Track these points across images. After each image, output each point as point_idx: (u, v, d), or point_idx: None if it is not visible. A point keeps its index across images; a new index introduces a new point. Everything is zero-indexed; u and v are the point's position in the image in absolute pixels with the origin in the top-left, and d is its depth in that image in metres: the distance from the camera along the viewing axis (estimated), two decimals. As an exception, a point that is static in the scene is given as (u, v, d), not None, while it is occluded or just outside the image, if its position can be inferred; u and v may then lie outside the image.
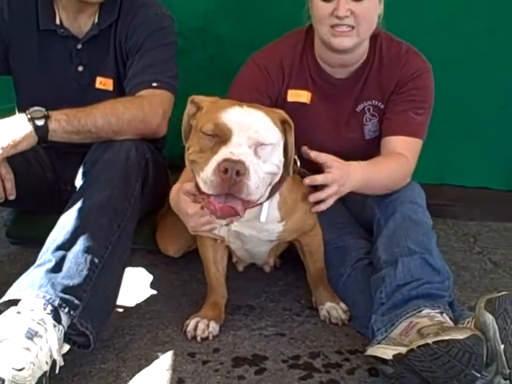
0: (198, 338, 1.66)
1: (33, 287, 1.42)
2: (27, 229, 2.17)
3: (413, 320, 1.49)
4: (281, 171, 1.48)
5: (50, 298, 1.41)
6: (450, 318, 1.52)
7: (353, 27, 1.73)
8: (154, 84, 1.80)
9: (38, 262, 1.51)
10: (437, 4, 2.42)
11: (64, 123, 1.63)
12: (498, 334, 1.37)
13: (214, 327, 1.68)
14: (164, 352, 1.62)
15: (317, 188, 1.65)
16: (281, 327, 1.75)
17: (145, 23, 1.87)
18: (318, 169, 1.64)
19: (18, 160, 1.65)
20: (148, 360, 1.58)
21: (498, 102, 2.54)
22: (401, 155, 1.79)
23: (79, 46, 1.92)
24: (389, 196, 1.79)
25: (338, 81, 1.89)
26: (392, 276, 1.59)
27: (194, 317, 1.71)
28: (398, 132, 1.82)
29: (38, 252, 1.54)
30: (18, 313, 1.38)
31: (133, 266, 2.01)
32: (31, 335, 1.34)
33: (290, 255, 1.95)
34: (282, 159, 1.47)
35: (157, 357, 1.59)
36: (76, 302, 1.45)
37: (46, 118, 1.61)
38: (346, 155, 1.82)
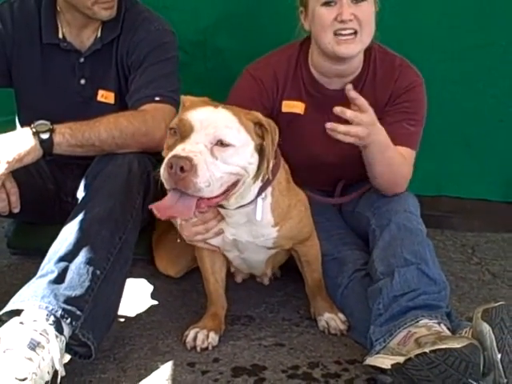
0: (198, 349, 1.67)
1: (35, 298, 1.44)
2: (28, 239, 2.19)
3: (411, 330, 1.51)
4: (250, 173, 1.45)
5: (52, 309, 1.43)
6: (448, 328, 1.53)
7: (355, 32, 1.76)
8: (157, 98, 1.82)
9: (40, 272, 1.52)
10: (436, 17, 2.45)
11: (68, 136, 1.65)
12: (494, 344, 1.38)
13: (213, 338, 1.70)
14: (164, 362, 1.63)
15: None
16: (280, 337, 1.76)
17: (147, 39, 1.90)
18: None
19: (19, 171, 1.65)
20: (148, 370, 1.59)
21: (496, 115, 2.55)
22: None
23: (82, 60, 1.95)
24: (383, 206, 1.81)
25: (332, 92, 1.92)
26: (389, 287, 1.61)
27: (193, 327, 1.72)
28: (393, 142, 1.84)
29: (39, 262, 1.56)
30: (21, 323, 1.40)
31: (133, 276, 2.03)
32: (34, 346, 1.35)
33: (289, 266, 1.96)
34: (252, 160, 1.45)
35: (157, 367, 1.61)
36: (78, 312, 1.46)
37: (51, 131, 1.63)
38: (340, 165, 1.84)
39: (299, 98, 1.93)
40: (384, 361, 1.49)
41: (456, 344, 1.35)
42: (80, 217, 1.60)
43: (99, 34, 1.93)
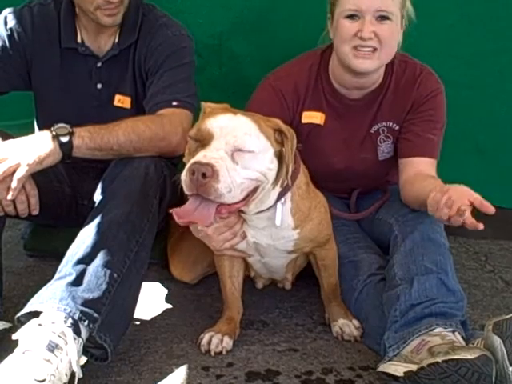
0: (212, 353, 1.68)
1: (54, 300, 1.45)
2: (44, 242, 2.21)
3: (424, 338, 1.51)
4: (269, 179, 1.47)
5: (70, 311, 1.44)
6: (462, 337, 1.53)
7: (375, 49, 1.75)
8: (174, 103, 1.83)
9: (57, 275, 1.54)
10: (450, 23, 2.45)
11: (87, 140, 1.66)
12: (506, 357, 1.38)
13: (227, 342, 1.70)
14: (178, 366, 1.64)
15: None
16: (294, 343, 1.77)
17: (164, 44, 1.92)
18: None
19: (36, 174, 1.66)
20: (163, 373, 1.60)
21: (510, 121, 2.55)
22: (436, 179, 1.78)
23: (99, 64, 1.97)
24: (409, 214, 1.80)
25: (352, 101, 1.92)
26: (407, 294, 1.61)
27: (208, 331, 1.73)
28: (420, 153, 1.84)
29: (55, 265, 1.57)
30: (40, 325, 1.41)
31: (148, 280, 2.04)
32: (52, 347, 1.37)
33: (303, 271, 1.97)
34: (271, 166, 1.46)
35: (171, 370, 1.62)
36: (95, 315, 1.48)
37: (71, 134, 1.64)
38: (359, 176, 1.83)
39: (319, 109, 1.93)
40: (397, 368, 1.50)
41: (469, 355, 1.35)
42: (97, 220, 1.61)
43: (117, 39, 1.95)
